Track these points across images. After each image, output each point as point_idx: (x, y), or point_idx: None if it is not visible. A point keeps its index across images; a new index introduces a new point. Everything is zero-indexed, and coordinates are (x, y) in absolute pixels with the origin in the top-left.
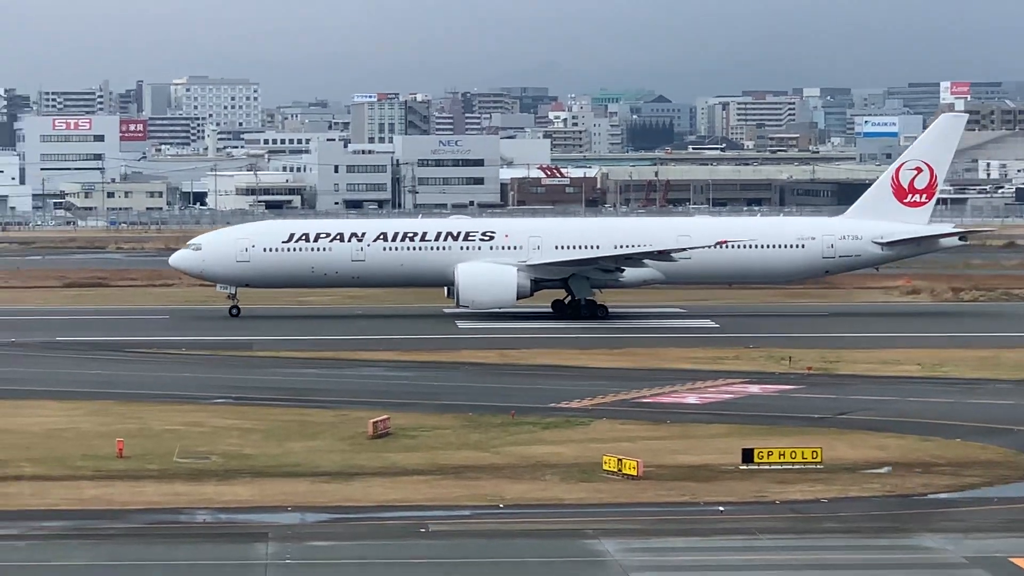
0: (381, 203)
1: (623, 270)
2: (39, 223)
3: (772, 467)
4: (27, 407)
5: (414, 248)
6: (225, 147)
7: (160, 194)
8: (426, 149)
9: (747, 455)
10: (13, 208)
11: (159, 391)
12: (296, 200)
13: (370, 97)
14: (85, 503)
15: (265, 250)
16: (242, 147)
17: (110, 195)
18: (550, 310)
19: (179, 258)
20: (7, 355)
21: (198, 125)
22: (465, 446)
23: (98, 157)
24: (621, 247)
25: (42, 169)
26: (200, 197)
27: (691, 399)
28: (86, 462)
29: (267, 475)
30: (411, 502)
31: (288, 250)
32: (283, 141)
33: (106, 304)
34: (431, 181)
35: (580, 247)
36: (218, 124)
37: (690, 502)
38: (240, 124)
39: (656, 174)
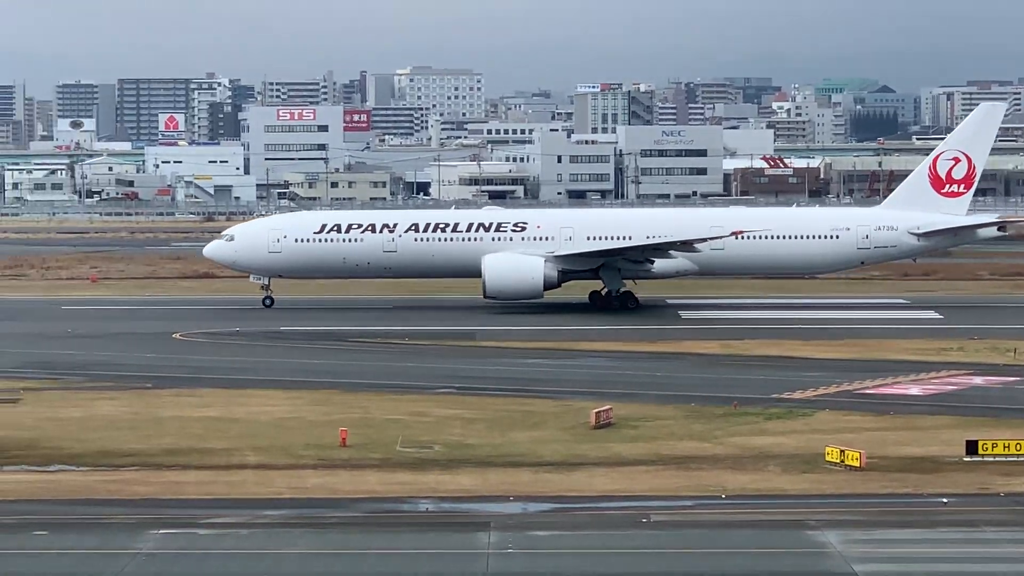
0: (604, 193)
1: (652, 261)
2: (263, 213)
3: (997, 459)
4: (252, 396)
5: (445, 239)
6: (448, 137)
7: (384, 184)
8: (649, 139)
9: (971, 447)
10: (238, 198)
11: (382, 380)
12: (519, 190)
13: (593, 87)
14: (308, 492)
15: (297, 241)
16: (463, 137)
17: (334, 185)
18: (587, 302)
19: (212, 248)
20: (232, 344)
21: (421, 115)
22: (687, 436)
23: (322, 147)
24: (653, 238)
25: (266, 159)
26: (423, 187)
27: (914, 390)
28: (309, 451)
29: (490, 465)
30: (633, 492)
31: (320, 241)
32: (506, 131)
33: (329, 293)
34: (654, 171)
35: (611, 238)
36: (441, 114)
37: (913, 494)
38: (463, 114)
39: (880, 164)
